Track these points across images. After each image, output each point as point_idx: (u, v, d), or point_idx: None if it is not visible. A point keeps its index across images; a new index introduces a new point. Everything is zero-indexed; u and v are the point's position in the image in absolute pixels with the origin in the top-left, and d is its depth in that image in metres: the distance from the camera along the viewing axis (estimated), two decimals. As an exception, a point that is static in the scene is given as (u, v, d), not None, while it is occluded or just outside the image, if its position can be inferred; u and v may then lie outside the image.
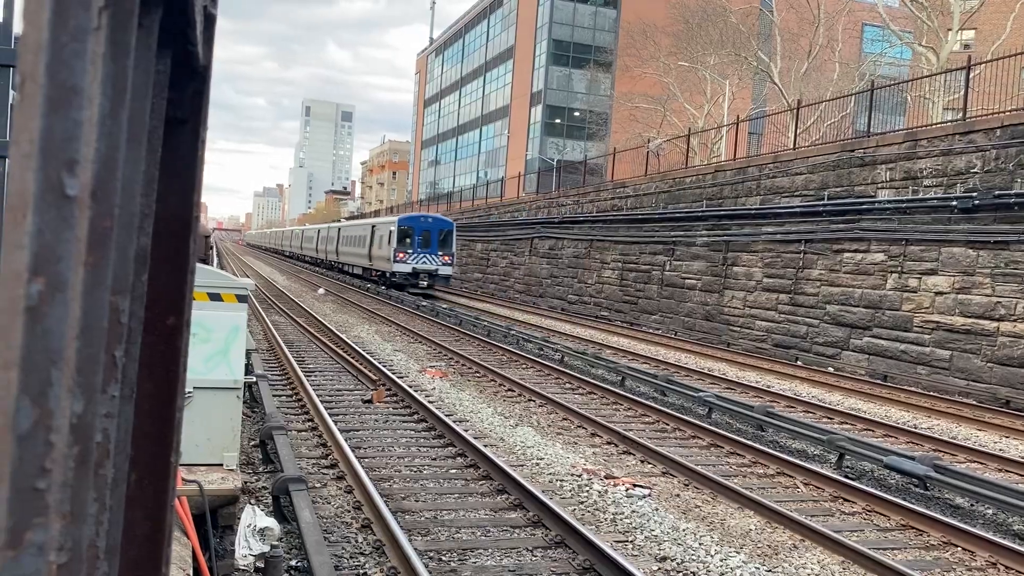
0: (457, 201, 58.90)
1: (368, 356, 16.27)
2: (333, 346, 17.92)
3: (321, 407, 11.00)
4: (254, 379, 11.06)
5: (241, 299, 6.46)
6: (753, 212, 22.90)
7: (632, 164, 33.08)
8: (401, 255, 37.22)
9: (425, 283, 37.22)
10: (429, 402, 12.23)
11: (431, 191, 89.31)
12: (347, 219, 68.65)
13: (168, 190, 0.70)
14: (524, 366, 17.18)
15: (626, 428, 11.45)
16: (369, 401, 12.43)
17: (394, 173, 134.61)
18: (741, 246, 23.35)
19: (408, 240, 37.43)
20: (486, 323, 23.85)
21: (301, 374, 13.52)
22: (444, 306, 28.80)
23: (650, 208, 28.72)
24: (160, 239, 0.70)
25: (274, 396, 11.73)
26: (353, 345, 17.83)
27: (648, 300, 28.01)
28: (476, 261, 46.23)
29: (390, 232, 38.14)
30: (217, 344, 6.24)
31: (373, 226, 42.34)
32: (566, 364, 17.49)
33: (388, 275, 37.99)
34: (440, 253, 37.66)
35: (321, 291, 35.39)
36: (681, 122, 43.05)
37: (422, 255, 37.39)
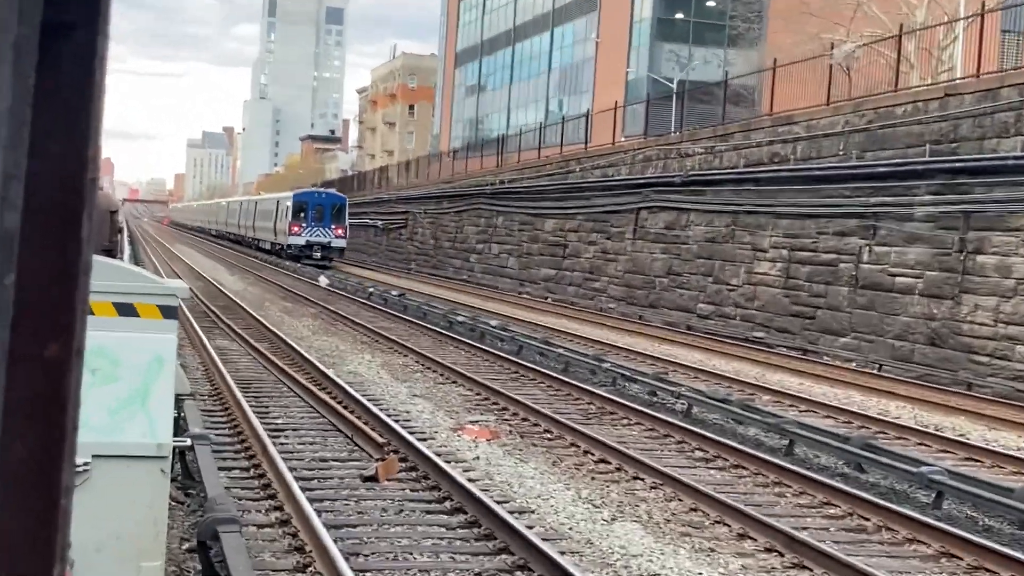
0: (514, 151, 59.07)
1: (370, 405, 16.43)
2: (314, 388, 18.13)
3: (296, 488, 11.11)
4: (188, 442, 11.24)
5: (168, 313, 6.58)
6: (1011, 163, 22.47)
7: (804, 86, 32.75)
8: (296, 228, 60.95)
9: (319, 255, 59.63)
10: (469, 480, 12.27)
11: (471, 133, 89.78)
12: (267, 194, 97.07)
13: (47, 137, 0.72)
14: (624, 420, 17.14)
15: (797, 525, 11.33)
16: (373, 478, 12.51)
17: (411, 107, 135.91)
18: (991, 221, 22.92)
19: (303, 214, 61.73)
20: (562, 350, 23.79)
21: (263, 434, 13.69)
22: (494, 323, 28.86)
23: (835, 159, 28.41)
24: (35, 216, 0.71)
25: (221, 469, 11.90)
26: (346, 387, 18.01)
27: (833, 312, 27.68)
28: (545, 249, 46.24)
29: (287, 207, 62.00)
30: (130, 385, 6.36)
31: (278, 201, 65.91)
32: (694, 418, 17.44)
33: (285, 247, 61.91)
34: (333, 226, 62.04)
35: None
36: (887, 15, 42.45)
37: (316, 228, 61.26)
